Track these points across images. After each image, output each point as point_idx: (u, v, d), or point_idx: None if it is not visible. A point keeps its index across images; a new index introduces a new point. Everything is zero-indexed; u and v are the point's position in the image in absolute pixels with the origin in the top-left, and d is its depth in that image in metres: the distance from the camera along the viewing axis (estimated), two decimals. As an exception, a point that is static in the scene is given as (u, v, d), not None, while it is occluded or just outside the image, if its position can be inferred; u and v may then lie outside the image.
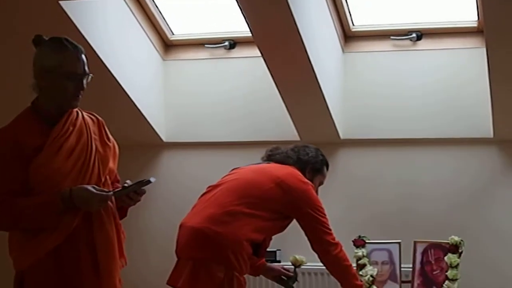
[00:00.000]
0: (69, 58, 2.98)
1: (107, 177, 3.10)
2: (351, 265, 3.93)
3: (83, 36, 4.27)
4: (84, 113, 3.13)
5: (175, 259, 3.70)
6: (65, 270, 2.96)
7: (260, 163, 4.01)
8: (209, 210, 3.71)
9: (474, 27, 4.81)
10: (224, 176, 3.93)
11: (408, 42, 4.94)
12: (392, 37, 4.96)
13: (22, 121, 3.01)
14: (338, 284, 3.94)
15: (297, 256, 4.19)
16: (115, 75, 4.72)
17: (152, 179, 3.00)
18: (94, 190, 2.93)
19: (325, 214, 3.85)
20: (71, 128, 3.02)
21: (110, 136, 3.18)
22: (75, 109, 3.07)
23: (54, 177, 2.93)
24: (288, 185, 3.79)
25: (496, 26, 4.01)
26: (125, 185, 3.05)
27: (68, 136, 3.00)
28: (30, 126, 2.98)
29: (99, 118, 3.19)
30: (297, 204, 3.80)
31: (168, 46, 5.38)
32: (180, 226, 3.75)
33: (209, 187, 3.89)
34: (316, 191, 4.01)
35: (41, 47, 3.01)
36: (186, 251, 3.69)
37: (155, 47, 5.25)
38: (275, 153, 4.04)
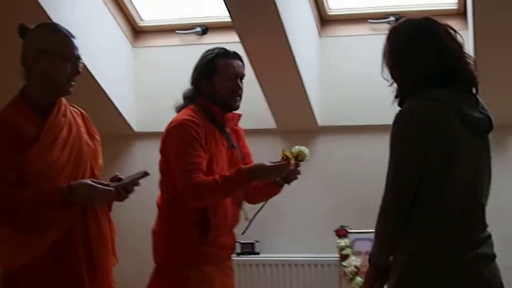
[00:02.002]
0: (65, 40, 2.87)
1: (99, 172, 2.98)
2: (215, 180, 3.18)
3: (50, 19, 4.09)
4: (68, 106, 3.00)
5: (148, 260, 3.54)
6: (63, 266, 2.82)
7: None
8: None
9: (454, 9, 4.71)
10: None
11: (386, 25, 4.82)
12: (370, 21, 4.85)
13: (16, 109, 2.84)
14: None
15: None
16: (83, 61, 4.52)
17: (148, 172, 2.87)
18: (97, 185, 2.79)
19: (184, 155, 3.20)
20: (63, 119, 2.89)
21: (95, 129, 3.06)
22: (64, 101, 2.93)
23: (50, 170, 2.79)
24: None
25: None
26: (120, 177, 2.92)
27: (61, 127, 2.87)
28: (24, 115, 2.82)
29: (82, 111, 3.06)
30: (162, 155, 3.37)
31: (138, 32, 5.22)
32: None
33: None
34: (237, 89, 3.34)
35: (34, 31, 2.87)
36: None
37: (124, 33, 5.08)
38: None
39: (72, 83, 2.88)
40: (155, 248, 3.38)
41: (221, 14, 4.80)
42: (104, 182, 2.85)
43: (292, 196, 4.05)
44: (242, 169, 3.19)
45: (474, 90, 2.52)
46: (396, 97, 2.59)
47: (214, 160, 3.28)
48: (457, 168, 2.42)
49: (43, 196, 2.76)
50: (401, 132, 2.45)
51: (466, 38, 4.16)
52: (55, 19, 4.13)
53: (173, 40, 5.17)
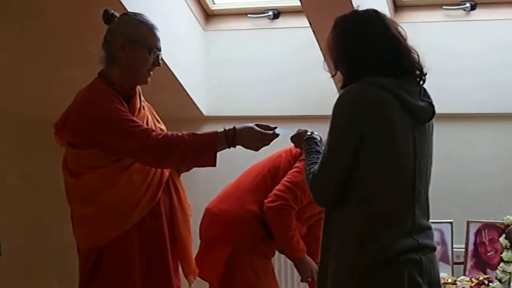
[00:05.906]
0: (152, 32, 2.98)
1: None
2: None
3: (122, 4, 4.11)
4: None
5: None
6: (148, 241, 2.92)
7: None
8: (225, 191, 3.65)
9: None
10: None
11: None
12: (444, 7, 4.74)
13: (104, 90, 2.93)
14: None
15: None
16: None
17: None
18: (260, 129, 2.92)
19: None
20: (143, 104, 3.04)
21: (159, 119, 3.20)
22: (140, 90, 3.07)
23: None
24: None
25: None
26: None
27: (144, 111, 3.02)
28: (112, 95, 2.93)
29: (148, 104, 3.18)
30: None
31: (209, 16, 5.21)
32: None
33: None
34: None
35: (123, 19, 2.98)
36: (200, 232, 3.63)
37: (195, 17, 5.08)
38: None
39: (150, 73, 2.99)
40: (212, 226, 3.55)
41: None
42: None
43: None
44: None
45: (421, 81, 2.55)
46: (342, 87, 2.58)
47: None
48: (392, 154, 2.44)
49: (203, 137, 2.87)
50: (337, 112, 2.47)
51: None
52: (126, 3, 4.15)
53: (245, 24, 5.16)
